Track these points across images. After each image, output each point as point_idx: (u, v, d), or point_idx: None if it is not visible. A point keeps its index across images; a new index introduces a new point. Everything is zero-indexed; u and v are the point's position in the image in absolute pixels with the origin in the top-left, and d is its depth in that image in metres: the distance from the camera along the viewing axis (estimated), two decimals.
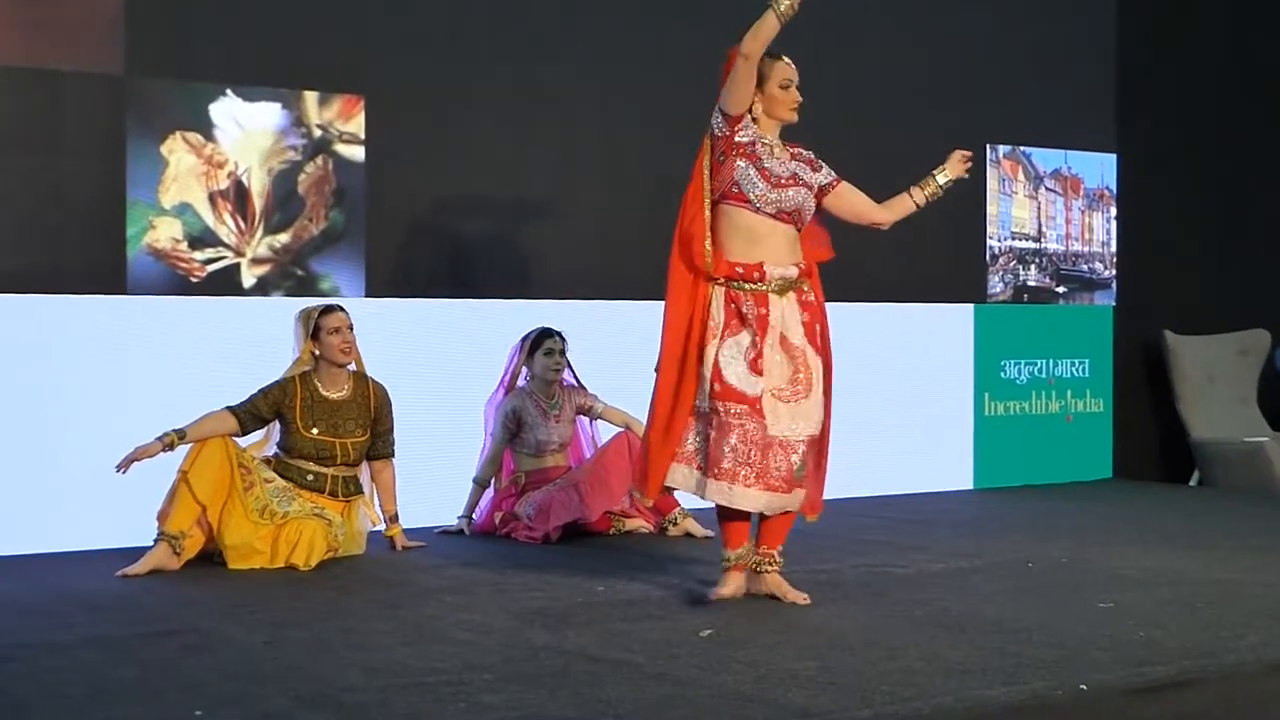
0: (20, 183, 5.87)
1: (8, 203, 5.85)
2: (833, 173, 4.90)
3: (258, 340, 6.06)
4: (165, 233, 6.10)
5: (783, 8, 4.56)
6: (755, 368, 4.65)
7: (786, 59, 4.78)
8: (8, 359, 5.76)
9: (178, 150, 6.13)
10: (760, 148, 4.74)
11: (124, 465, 5.40)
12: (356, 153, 6.50)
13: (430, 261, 6.78)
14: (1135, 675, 3.78)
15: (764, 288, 4.71)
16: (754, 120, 4.76)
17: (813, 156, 4.89)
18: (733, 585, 4.78)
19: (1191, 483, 8.89)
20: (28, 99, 5.88)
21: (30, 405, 5.79)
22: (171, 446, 5.43)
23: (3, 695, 3.57)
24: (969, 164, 5.05)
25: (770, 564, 4.80)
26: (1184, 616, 4.51)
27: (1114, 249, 8.85)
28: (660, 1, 7.12)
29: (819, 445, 4.78)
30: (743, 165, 4.69)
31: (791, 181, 4.75)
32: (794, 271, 4.75)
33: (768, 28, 4.58)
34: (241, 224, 6.25)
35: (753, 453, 4.62)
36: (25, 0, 5.85)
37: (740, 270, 4.70)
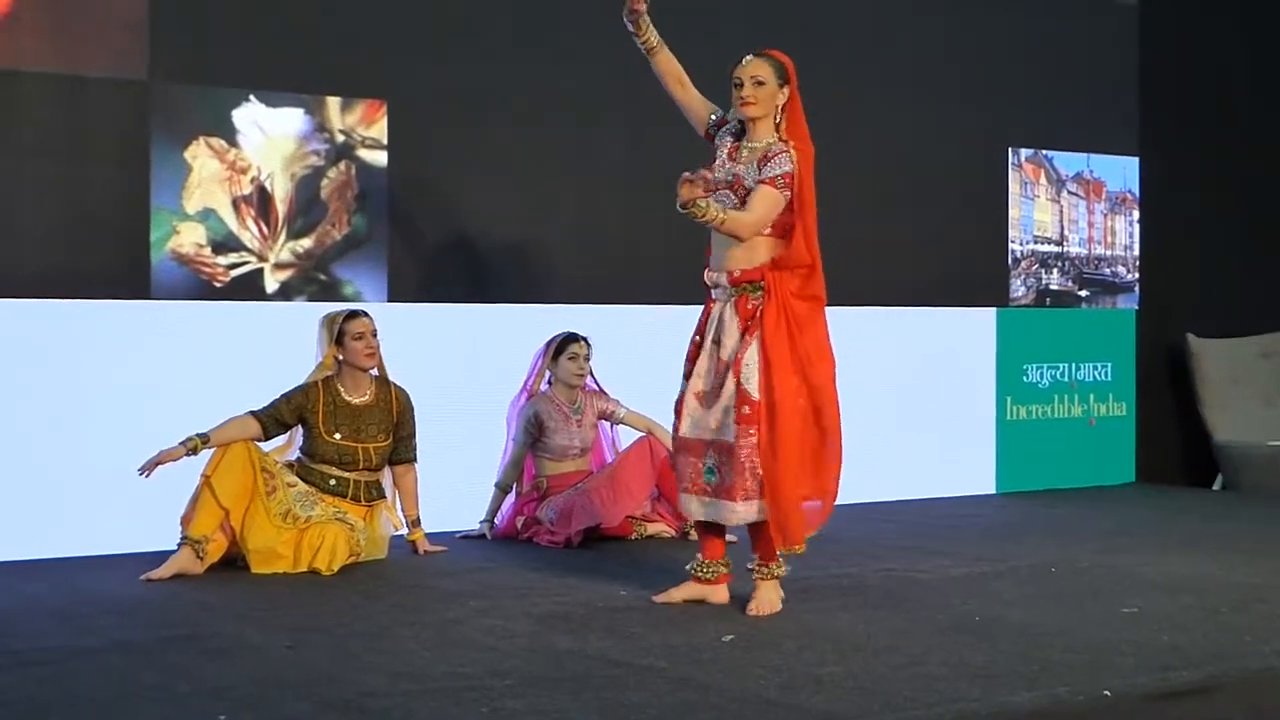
0: (45, 187, 5.89)
1: (33, 207, 5.87)
2: (774, 171, 4.64)
3: (281, 345, 6.08)
4: (189, 238, 6.12)
5: (649, 43, 4.87)
6: (685, 369, 4.81)
7: (748, 56, 4.72)
8: (32, 363, 5.78)
9: (201, 155, 6.15)
10: (718, 157, 4.80)
11: (147, 469, 5.41)
12: (379, 158, 6.52)
13: (453, 266, 6.78)
14: (1159, 680, 3.77)
15: (713, 294, 4.79)
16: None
17: (777, 151, 4.67)
18: (679, 591, 4.83)
19: (1215, 487, 8.85)
20: (52, 104, 5.90)
21: (54, 409, 5.81)
22: (195, 451, 5.45)
23: (27, 699, 3.58)
24: (685, 186, 4.44)
25: (756, 573, 4.74)
26: (1208, 621, 4.50)
27: (1136, 252, 8.82)
28: (681, 7, 7.13)
29: (744, 461, 4.60)
30: None
31: (724, 186, 4.72)
32: (724, 278, 4.71)
33: (654, 67, 4.90)
34: (265, 229, 6.27)
35: (678, 456, 4.81)
36: (50, 6, 5.88)
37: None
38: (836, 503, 4.81)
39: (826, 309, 4.83)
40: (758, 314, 4.66)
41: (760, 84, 4.68)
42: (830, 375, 4.75)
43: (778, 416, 4.61)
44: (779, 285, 4.67)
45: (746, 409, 4.61)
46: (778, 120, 4.74)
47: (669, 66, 4.90)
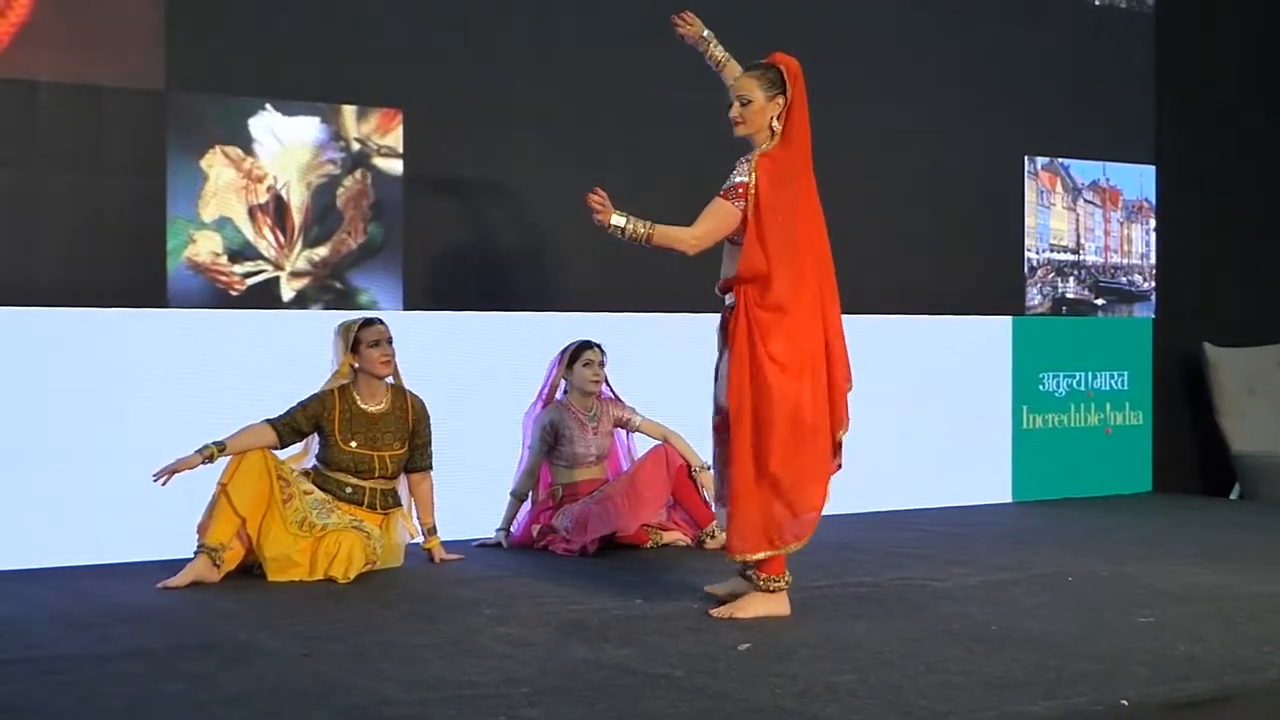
0: (62, 197, 5.91)
1: (50, 217, 5.89)
2: (728, 183, 4.69)
3: (297, 353, 6.09)
4: (205, 246, 6.13)
5: (714, 58, 5.05)
6: None
7: (737, 72, 4.84)
8: (50, 372, 5.80)
9: (217, 165, 6.17)
10: None
11: (164, 477, 5.43)
12: (394, 166, 6.53)
13: (468, 274, 6.79)
14: (1175, 690, 3.76)
15: None
16: None
17: (739, 163, 4.73)
18: (722, 585, 5.00)
19: (1232, 496, 8.83)
20: (69, 114, 5.92)
21: (71, 418, 5.82)
22: (211, 459, 5.46)
23: (44, 708, 3.59)
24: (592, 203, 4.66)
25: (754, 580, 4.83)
26: (1225, 631, 4.48)
27: (1153, 261, 8.81)
28: (701, 15, 7.14)
29: (718, 468, 4.87)
30: None
31: None
32: (716, 289, 4.82)
33: (724, 80, 5.00)
34: (280, 238, 6.28)
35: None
36: (66, 16, 5.90)
37: None
38: (823, 514, 4.76)
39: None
40: (728, 326, 4.73)
41: (747, 103, 4.71)
42: (800, 383, 4.63)
43: (731, 425, 4.67)
44: (745, 296, 4.67)
45: (717, 418, 4.79)
46: (773, 127, 4.72)
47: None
